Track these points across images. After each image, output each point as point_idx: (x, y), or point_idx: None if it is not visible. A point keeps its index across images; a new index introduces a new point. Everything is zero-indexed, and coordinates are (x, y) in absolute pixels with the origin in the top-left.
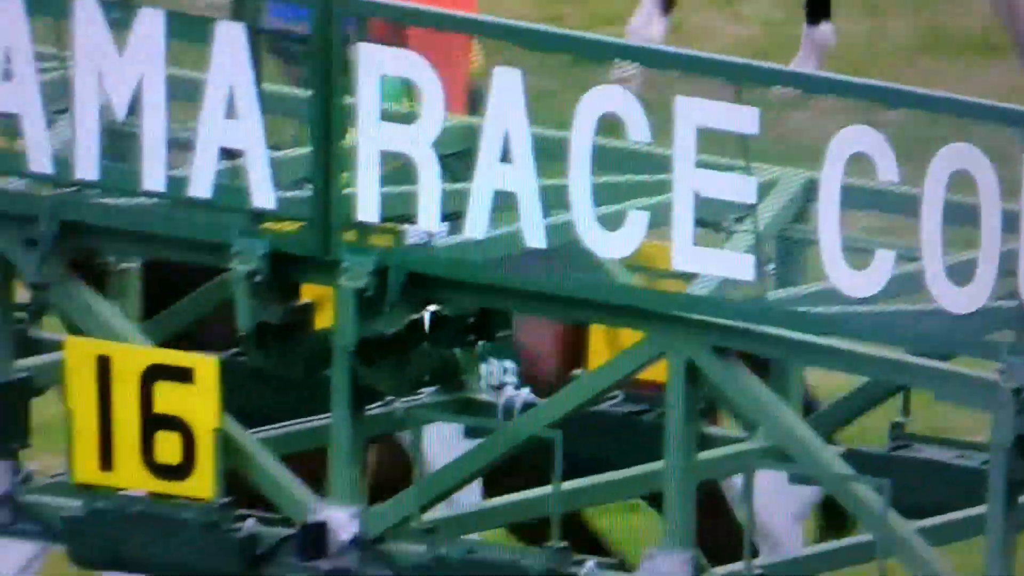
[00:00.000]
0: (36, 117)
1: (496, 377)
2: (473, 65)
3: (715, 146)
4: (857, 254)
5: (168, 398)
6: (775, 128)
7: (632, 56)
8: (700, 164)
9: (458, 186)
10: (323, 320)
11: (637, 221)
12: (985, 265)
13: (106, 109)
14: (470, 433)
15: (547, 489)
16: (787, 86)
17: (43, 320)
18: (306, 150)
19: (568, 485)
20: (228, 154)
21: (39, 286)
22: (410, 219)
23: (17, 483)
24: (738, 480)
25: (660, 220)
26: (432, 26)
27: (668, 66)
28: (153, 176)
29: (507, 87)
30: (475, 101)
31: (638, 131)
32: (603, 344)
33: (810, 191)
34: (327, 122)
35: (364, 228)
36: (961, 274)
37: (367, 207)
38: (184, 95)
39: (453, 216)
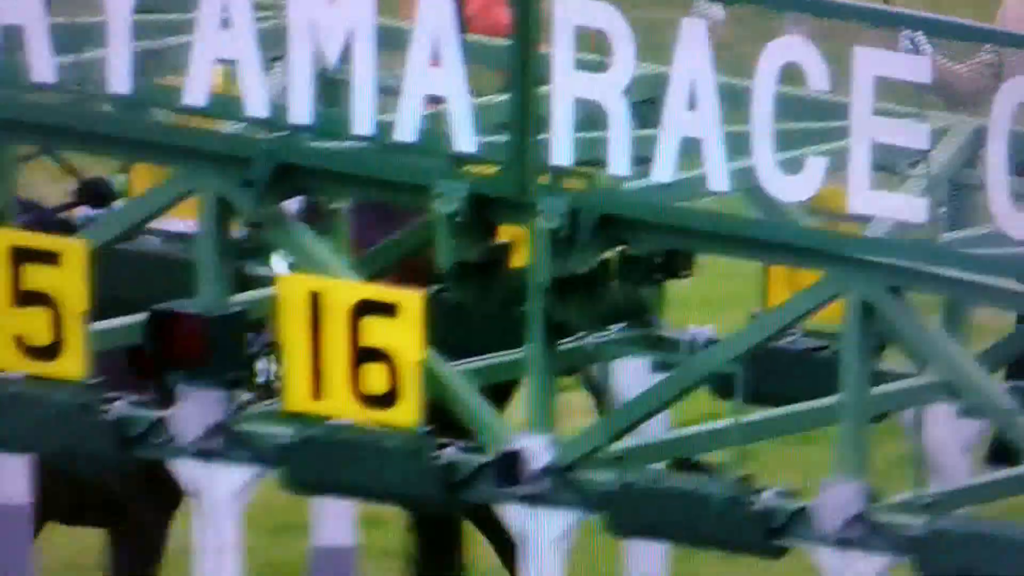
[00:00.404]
0: (253, 64)
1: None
2: None
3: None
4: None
5: (375, 331)
6: None
7: (811, 9)
8: (876, 112)
9: (646, 132)
10: (519, 259)
11: (816, 166)
12: None
13: (319, 56)
14: (657, 367)
15: (730, 421)
16: (967, 39)
17: None
18: (505, 97)
19: (748, 418)
20: (432, 100)
21: (255, 224)
22: (601, 163)
23: (232, 412)
24: (909, 413)
25: (838, 165)
26: None
27: (846, 17)
28: (362, 121)
29: (693, 37)
30: None
31: (818, 80)
32: (783, 284)
33: (979, 138)
34: (526, 70)
35: (558, 171)
36: None
37: (561, 152)
38: (391, 44)
39: (641, 161)
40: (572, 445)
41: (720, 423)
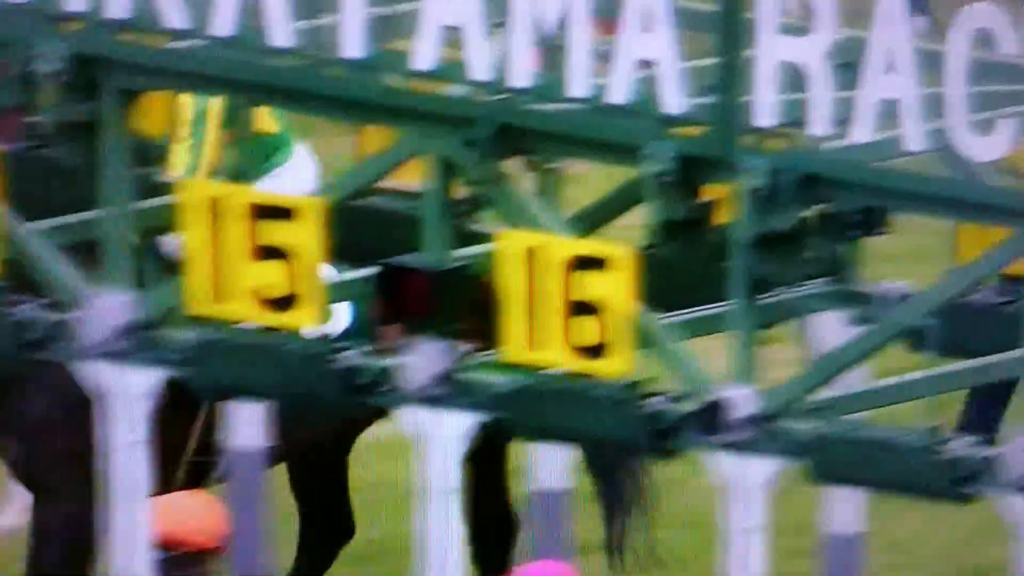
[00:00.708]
0: (477, 29)
1: None
2: None
3: None
4: None
5: (588, 285)
6: None
7: None
8: None
9: (845, 94)
10: (722, 217)
11: (1006, 128)
12: None
13: (538, 22)
14: (853, 321)
15: (923, 373)
16: None
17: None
18: (711, 60)
19: (940, 370)
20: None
21: (477, 183)
22: (802, 124)
23: (455, 362)
24: None
25: None
26: None
27: None
28: (577, 84)
29: (891, 4)
30: None
31: (1008, 44)
32: (972, 240)
33: None
34: (732, 34)
35: (762, 132)
36: None
37: (764, 113)
38: (605, 10)
39: (841, 122)
40: (774, 396)
41: (913, 375)
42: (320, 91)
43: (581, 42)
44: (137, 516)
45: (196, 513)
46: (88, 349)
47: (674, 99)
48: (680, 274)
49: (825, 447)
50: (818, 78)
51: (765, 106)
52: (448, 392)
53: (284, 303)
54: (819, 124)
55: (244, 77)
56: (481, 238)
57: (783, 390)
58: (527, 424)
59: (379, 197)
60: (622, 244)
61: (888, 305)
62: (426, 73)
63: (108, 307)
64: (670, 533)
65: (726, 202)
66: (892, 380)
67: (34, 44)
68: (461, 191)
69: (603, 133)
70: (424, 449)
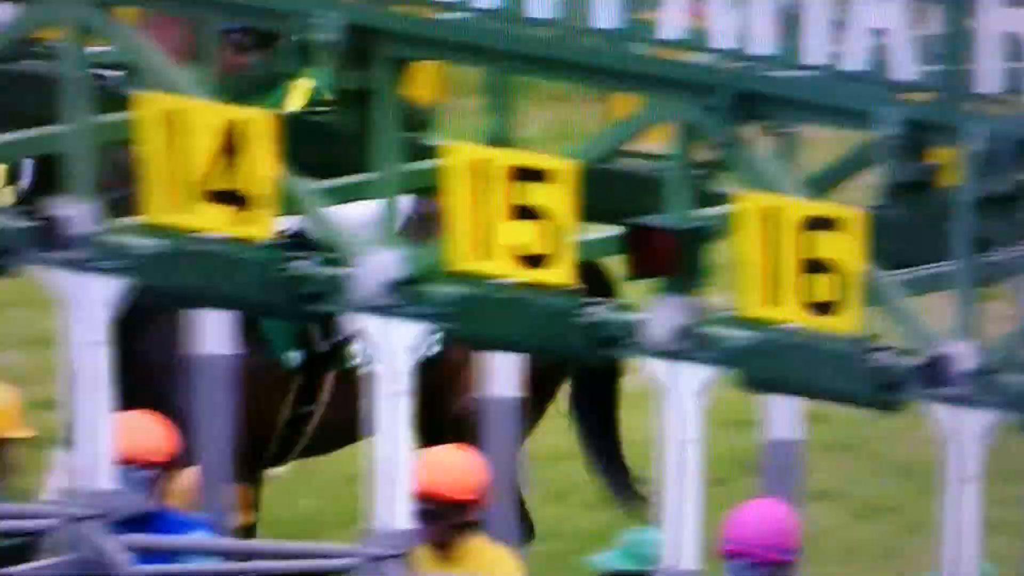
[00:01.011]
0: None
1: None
2: None
3: None
4: None
5: (821, 245)
6: None
7: None
8: None
9: None
10: (946, 179)
11: None
12: None
13: None
14: None
15: None
16: None
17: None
18: (939, 30)
19: None
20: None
21: (717, 147)
22: (1022, 92)
23: (695, 316)
24: None
25: None
26: None
27: None
28: (813, 52)
29: None
30: None
31: None
32: None
33: None
34: (958, 5)
35: (984, 99)
36: None
37: (987, 81)
38: None
39: None
40: (992, 351)
41: None
42: (573, 60)
43: (817, 11)
44: (399, 466)
45: (455, 466)
46: (358, 303)
47: (904, 66)
48: (906, 234)
49: None
50: None
51: (988, 74)
52: (688, 346)
53: (537, 260)
54: None
55: (503, 47)
56: (721, 199)
57: (1001, 345)
58: (763, 377)
59: (626, 160)
60: (853, 205)
61: None
62: (672, 42)
63: (378, 263)
64: (888, 481)
65: (950, 165)
66: None
67: (311, 14)
68: (702, 154)
69: (836, 99)
70: (666, 400)
